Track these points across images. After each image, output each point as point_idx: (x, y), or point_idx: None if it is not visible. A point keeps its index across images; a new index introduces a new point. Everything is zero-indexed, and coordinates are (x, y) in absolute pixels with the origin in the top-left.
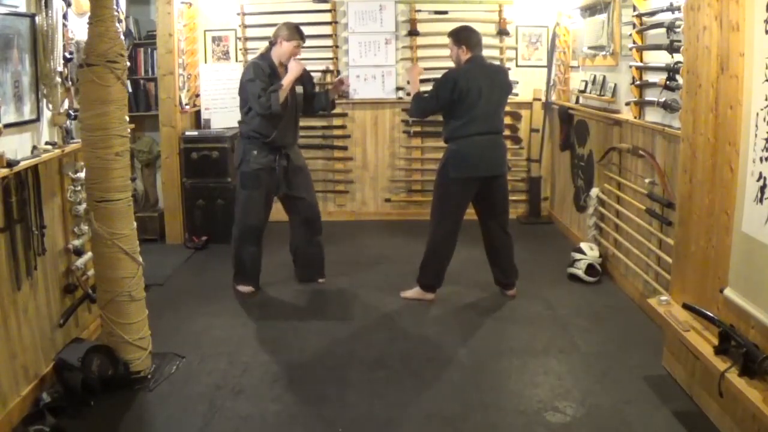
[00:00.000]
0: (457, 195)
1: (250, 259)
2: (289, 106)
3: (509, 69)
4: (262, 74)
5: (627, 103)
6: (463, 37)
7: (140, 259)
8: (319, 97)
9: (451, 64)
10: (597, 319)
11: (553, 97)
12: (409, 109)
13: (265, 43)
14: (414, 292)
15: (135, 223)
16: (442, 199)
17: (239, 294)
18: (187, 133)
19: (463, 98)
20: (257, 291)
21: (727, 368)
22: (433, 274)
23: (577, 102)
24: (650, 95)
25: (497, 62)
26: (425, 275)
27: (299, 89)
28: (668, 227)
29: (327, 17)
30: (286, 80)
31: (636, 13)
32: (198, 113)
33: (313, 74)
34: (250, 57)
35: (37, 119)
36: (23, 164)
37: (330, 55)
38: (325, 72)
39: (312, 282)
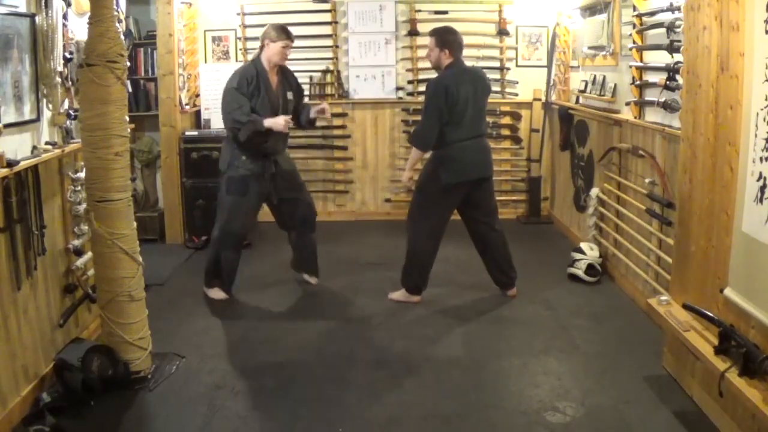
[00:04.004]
0: (446, 199)
1: (229, 265)
2: (279, 114)
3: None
4: (245, 85)
5: (627, 103)
6: (449, 40)
7: (140, 259)
8: (304, 112)
9: None
10: (597, 319)
11: (553, 97)
12: (415, 143)
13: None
14: (400, 294)
15: (135, 223)
16: (430, 202)
17: (210, 300)
18: (187, 133)
19: (453, 105)
20: (229, 298)
21: (727, 368)
22: (418, 277)
23: (577, 102)
24: (650, 95)
25: (497, 62)
26: (410, 278)
27: (290, 95)
28: (668, 227)
29: (327, 17)
30: (266, 123)
31: (636, 13)
32: (198, 113)
33: (312, 74)
34: (250, 57)
35: (37, 119)
36: (23, 164)
37: (330, 55)
38: (325, 72)
39: (306, 275)
